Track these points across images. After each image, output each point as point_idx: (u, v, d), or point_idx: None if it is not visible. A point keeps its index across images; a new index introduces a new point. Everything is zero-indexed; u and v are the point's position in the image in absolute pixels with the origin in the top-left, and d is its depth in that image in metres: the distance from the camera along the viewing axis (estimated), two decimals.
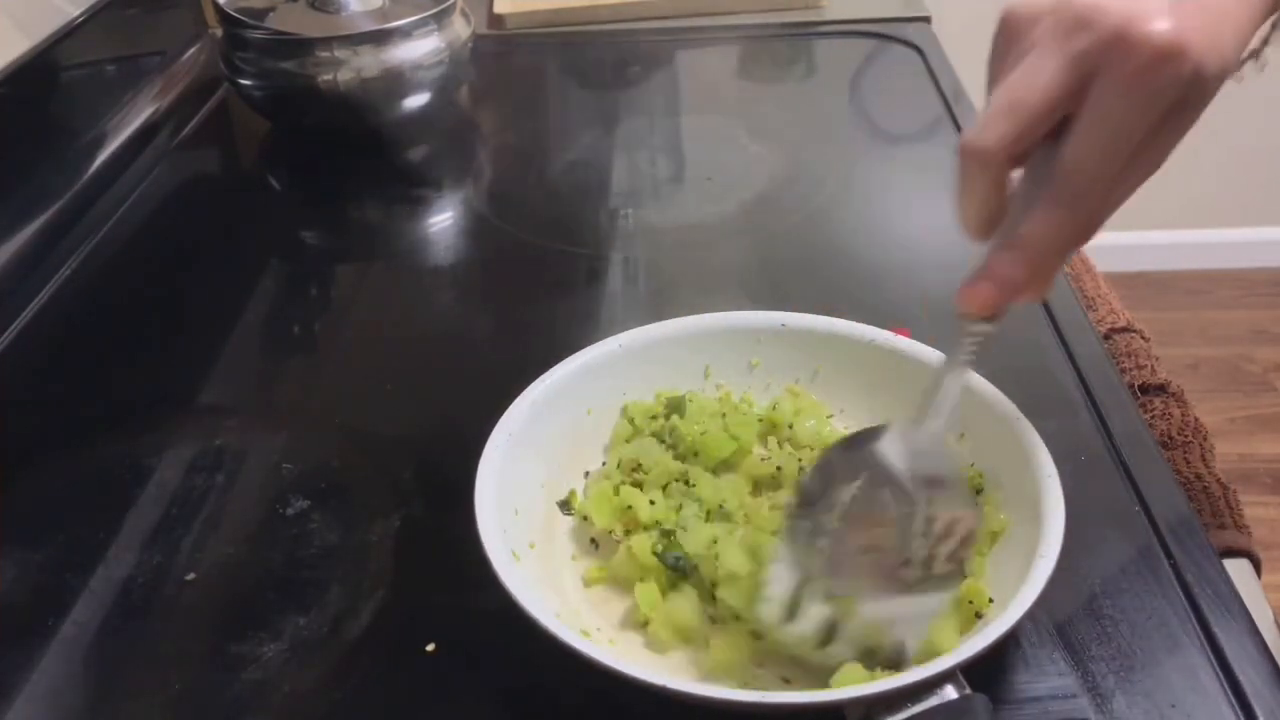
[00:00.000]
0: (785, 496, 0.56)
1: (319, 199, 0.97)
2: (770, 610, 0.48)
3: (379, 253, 0.91)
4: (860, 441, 0.52)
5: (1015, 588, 0.47)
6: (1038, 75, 0.42)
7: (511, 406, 0.57)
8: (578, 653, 0.45)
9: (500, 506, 0.52)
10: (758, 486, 0.58)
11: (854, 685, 0.45)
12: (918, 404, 0.51)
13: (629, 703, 0.45)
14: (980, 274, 0.46)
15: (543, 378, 0.59)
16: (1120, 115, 0.41)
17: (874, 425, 0.53)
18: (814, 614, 0.48)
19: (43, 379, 0.75)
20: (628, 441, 0.60)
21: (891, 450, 0.50)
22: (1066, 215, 0.43)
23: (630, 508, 0.55)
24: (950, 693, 0.43)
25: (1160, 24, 0.40)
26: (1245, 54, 0.45)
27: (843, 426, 0.61)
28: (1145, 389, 0.77)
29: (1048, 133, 0.44)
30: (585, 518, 0.56)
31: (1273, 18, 0.48)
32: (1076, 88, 0.42)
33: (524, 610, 0.46)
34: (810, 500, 0.51)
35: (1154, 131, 0.42)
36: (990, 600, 0.49)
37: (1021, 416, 0.55)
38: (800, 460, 0.58)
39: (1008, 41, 0.45)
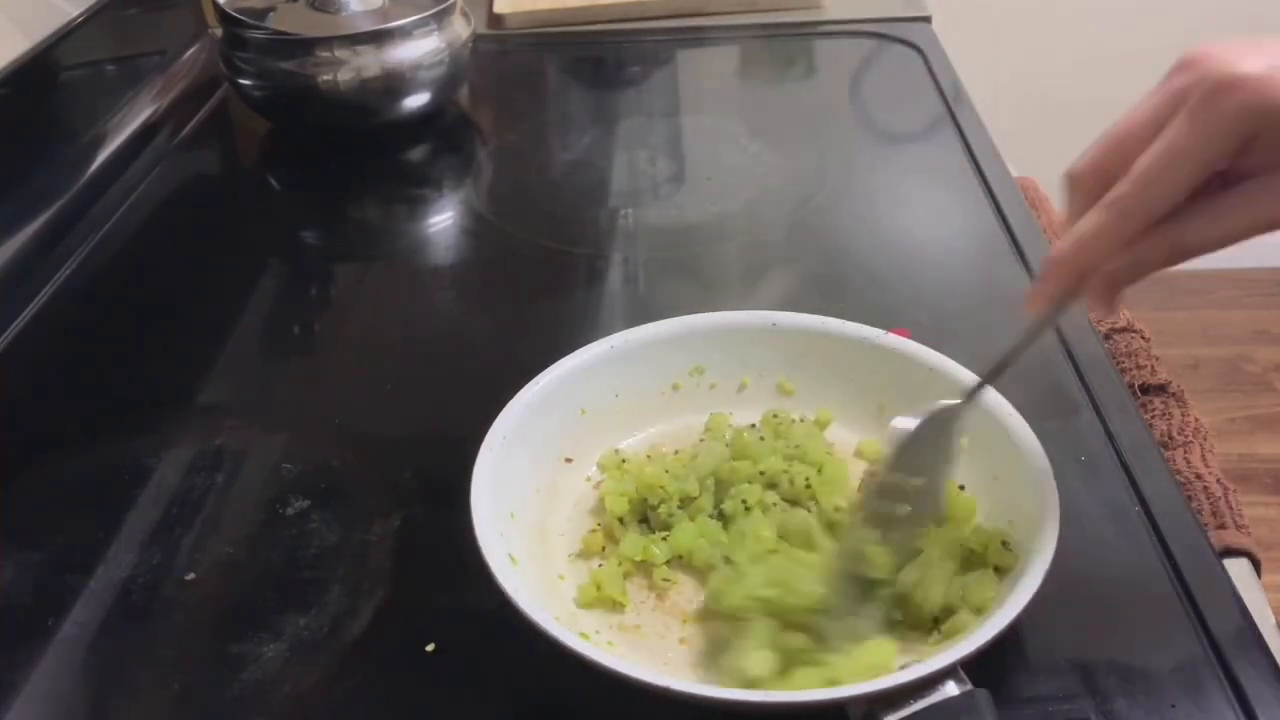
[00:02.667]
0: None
1: (319, 199, 0.97)
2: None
3: (379, 253, 0.91)
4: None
5: (1014, 584, 0.47)
6: (1137, 108, 0.45)
7: (505, 409, 0.57)
8: (578, 655, 0.45)
9: (497, 510, 0.52)
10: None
11: (856, 684, 0.46)
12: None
13: (629, 703, 0.45)
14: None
15: (536, 379, 0.59)
16: (1176, 133, 0.43)
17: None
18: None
19: (43, 379, 0.75)
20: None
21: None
22: (1106, 215, 0.45)
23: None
24: (952, 689, 0.44)
25: (1247, 64, 0.41)
26: None
27: (836, 425, 0.62)
28: (1145, 389, 0.77)
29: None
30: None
31: None
32: (1166, 118, 0.44)
33: (523, 614, 0.46)
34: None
35: (1234, 171, 0.43)
36: (1004, 543, 0.51)
37: (1015, 413, 0.55)
38: (793, 461, 0.58)
39: None
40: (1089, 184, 0.46)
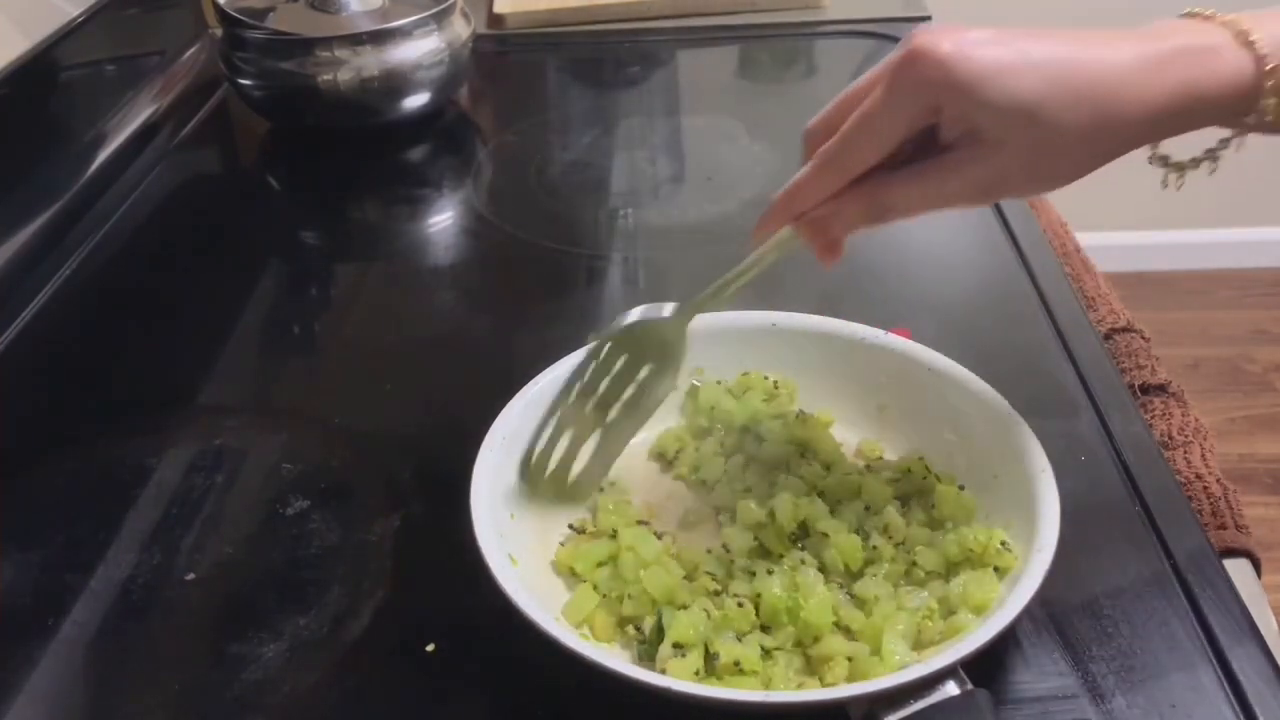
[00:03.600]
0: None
1: (319, 199, 0.97)
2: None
3: (379, 253, 0.91)
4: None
5: (1014, 584, 0.47)
6: (869, 73, 0.49)
7: (504, 410, 0.57)
8: (578, 655, 0.45)
9: (497, 510, 0.52)
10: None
11: (856, 684, 0.46)
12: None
13: (629, 703, 0.45)
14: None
15: (535, 380, 0.59)
16: (872, 98, 0.47)
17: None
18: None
19: (43, 379, 0.75)
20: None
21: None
22: (813, 167, 0.50)
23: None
24: (952, 689, 0.44)
25: (944, 42, 0.45)
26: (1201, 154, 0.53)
27: (837, 425, 0.62)
28: (1145, 389, 0.77)
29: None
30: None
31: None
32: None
33: (524, 614, 0.46)
34: None
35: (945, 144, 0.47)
36: (1003, 543, 0.51)
37: (1014, 413, 0.55)
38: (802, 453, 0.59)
39: None
40: (818, 138, 0.50)
